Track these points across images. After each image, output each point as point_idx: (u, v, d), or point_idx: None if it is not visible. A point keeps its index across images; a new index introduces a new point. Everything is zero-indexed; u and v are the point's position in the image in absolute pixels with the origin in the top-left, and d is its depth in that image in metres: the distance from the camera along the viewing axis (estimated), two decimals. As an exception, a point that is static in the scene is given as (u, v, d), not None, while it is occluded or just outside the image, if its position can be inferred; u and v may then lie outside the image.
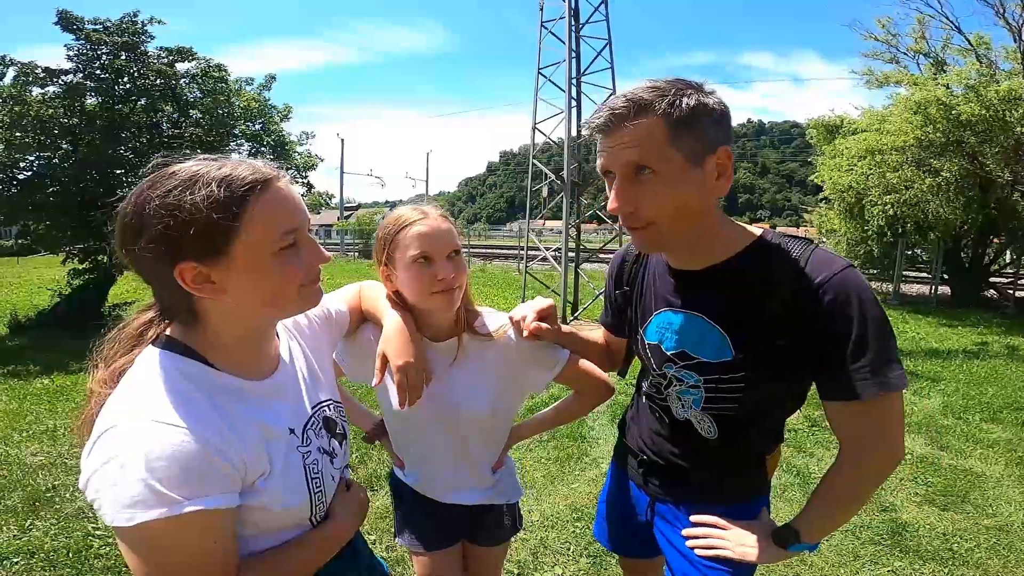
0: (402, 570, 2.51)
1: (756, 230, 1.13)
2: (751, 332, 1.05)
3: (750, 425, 1.18)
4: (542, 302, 1.37)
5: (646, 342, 1.24)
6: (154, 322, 0.90)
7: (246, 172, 0.80)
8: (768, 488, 1.30)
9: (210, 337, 0.85)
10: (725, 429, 1.17)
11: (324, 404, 1.04)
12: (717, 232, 1.09)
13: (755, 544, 1.15)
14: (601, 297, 9.38)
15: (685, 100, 0.95)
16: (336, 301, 1.28)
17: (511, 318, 1.35)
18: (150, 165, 0.81)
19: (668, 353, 1.18)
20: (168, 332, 0.86)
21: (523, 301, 1.38)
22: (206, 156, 0.83)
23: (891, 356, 0.97)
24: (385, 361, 1.22)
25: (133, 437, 0.72)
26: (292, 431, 0.93)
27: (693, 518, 1.23)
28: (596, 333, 1.52)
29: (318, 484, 0.95)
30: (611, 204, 1.04)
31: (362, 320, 1.37)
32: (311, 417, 0.98)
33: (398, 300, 1.31)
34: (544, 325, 1.31)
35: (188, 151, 0.85)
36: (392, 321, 1.26)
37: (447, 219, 1.27)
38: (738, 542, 1.16)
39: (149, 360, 0.81)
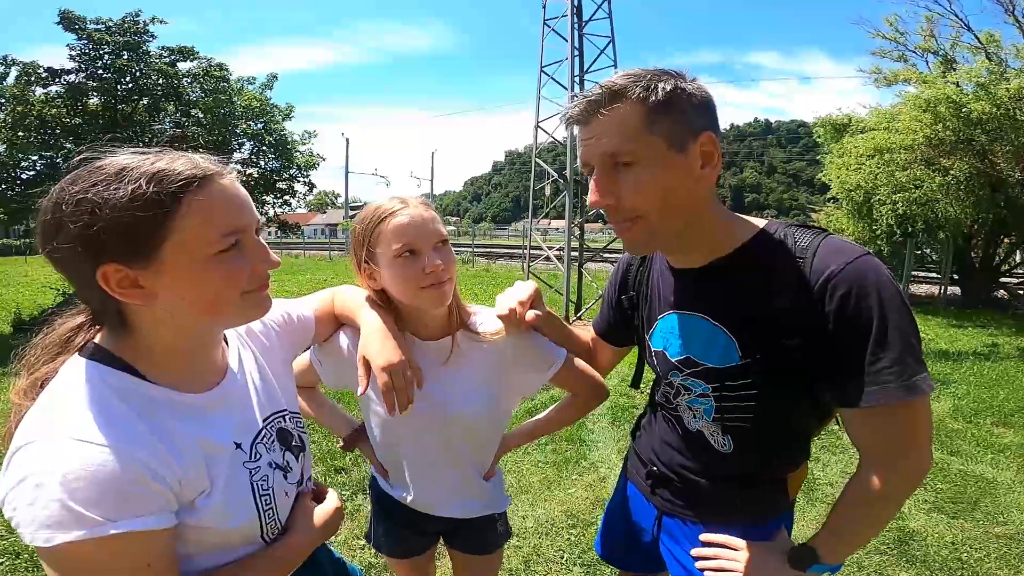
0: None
1: (760, 222, 1.04)
2: (758, 333, 0.97)
3: (768, 439, 1.09)
4: (524, 289, 1.26)
5: (652, 349, 1.17)
6: (83, 328, 0.83)
7: (182, 167, 0.73)
8: (789, 507, 1.20)
9: (141, 346, 0.79)
10: (740, 443, 1.09)
11: (279, 415, 0.97)
12: (716, 225, 1.01)
13: (769, 567, 1.06)
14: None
15: (661, 85, 0.90)
16: (301, 306, 1.20)
17: (499, 316, 1.23)
18: (78, 158, 0.74)
19: (673, 360, 1.11)
20: (97, 340, 0.80)
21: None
22: (140, 149, 0.76)
23: (916, 355, 0.88)
24: (368, 365, 1.13)
25: (49, 456, 0.67)
26: (238, 446, 0.86)
27: (703, 537, 1.15)
28: (585, 333, 1.46)
29: (268, 501, 0.89)
30: (591, 197, 0.97)
31: (338, 326, 1.29)
32: (262, 430, 0.92)
33: (381, 301, 1.22)
34: (539, 313, 1.22)
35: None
36: (370, 321, 1.17)
37: (429, 207, 1.18)
38: (750, 564, 1.07)
39: (73, 371, 0.76)
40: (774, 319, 0.95)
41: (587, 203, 1.00)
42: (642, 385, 1.42)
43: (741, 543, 1.11)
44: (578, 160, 1.01)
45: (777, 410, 1.04)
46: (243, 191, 0.81)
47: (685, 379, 1.09)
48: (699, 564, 1.14)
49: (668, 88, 0.90)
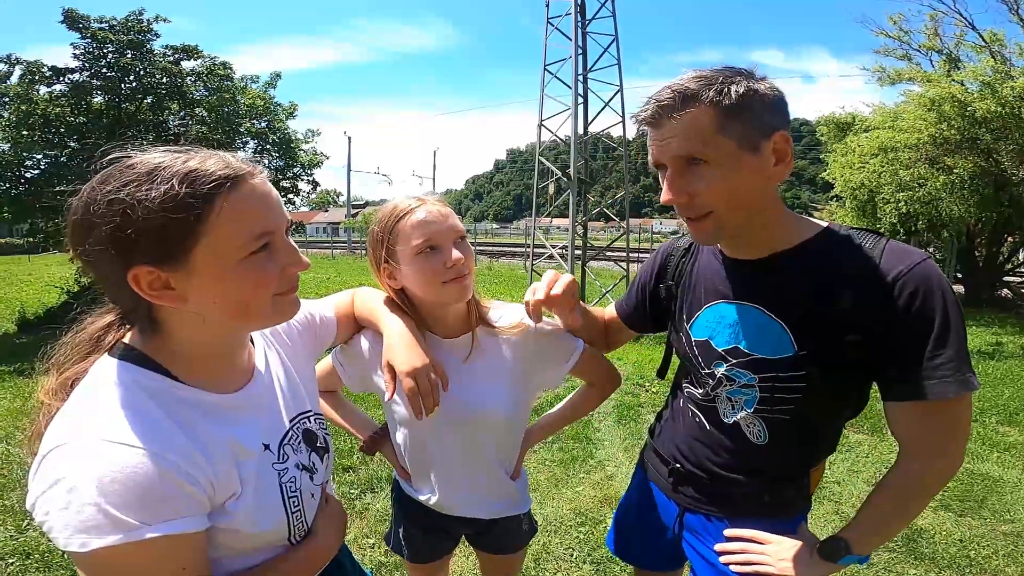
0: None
1: (821, 222, 1.07)
2: (817, 326, 0.99)
3: (805, 430, 1.10)
4: (563, 279, 1.22)
5: (693, 339, 1.17)
6: (113, 327, 0.82)
7: (215, 167, 0.72)
8: (809, 503, 1.21)
9: (172, 347, 0.78)
10: (777, 434, 1.10)
11: (304, 416, 0.97)
12: (779, 219, 1.04)
13: (799, 559, 1.07)
14: (607, 296, 9.35)
15: (734, 87, 0.91)
16: (324, 307, 1.19)
17: (527, 303, 1.23)
18: (108, 157, 0.73)
19: (719, 350, 1.11)
20: (127, 339, 0.79)
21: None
22: (171, 147, 0.75)
23: (968, 354, 0.92)
24: (393, 371, 1.13)
25: (82, 458, 0.65)
26: (267, 447, 0.86)
27: (728, 532, 1.16)
28: (599, 311, 1.46)
29: (296, 503, 0.88)
30: (664, 196, 1.00)
31: (357, 328, 1.29)
32: (289, 431, 0.92)
33: (401, 301, 1.22)
34: (560, 293, 1.19)
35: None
36: (393, 326, 1.17)
37: (445, 203, 1.20)
38: (779, 557, 1.08)
39: (104, 371, 0.75)
40: (835, 313, 0.97)
41: (661, 201, 1.02)
42: (651, 383, 1.42)
43: (767, 536, 1.12)
44: (649, 159, 1.02)
45: (822, 402, 1.05)
46: (274, 191, 0.79)
47: (730, 369, 1.09)
48: (724, 559, 1.14)
49: (741, 91, 0.91)
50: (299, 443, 0.93)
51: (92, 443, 0.66)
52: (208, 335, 0.79)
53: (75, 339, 0.83)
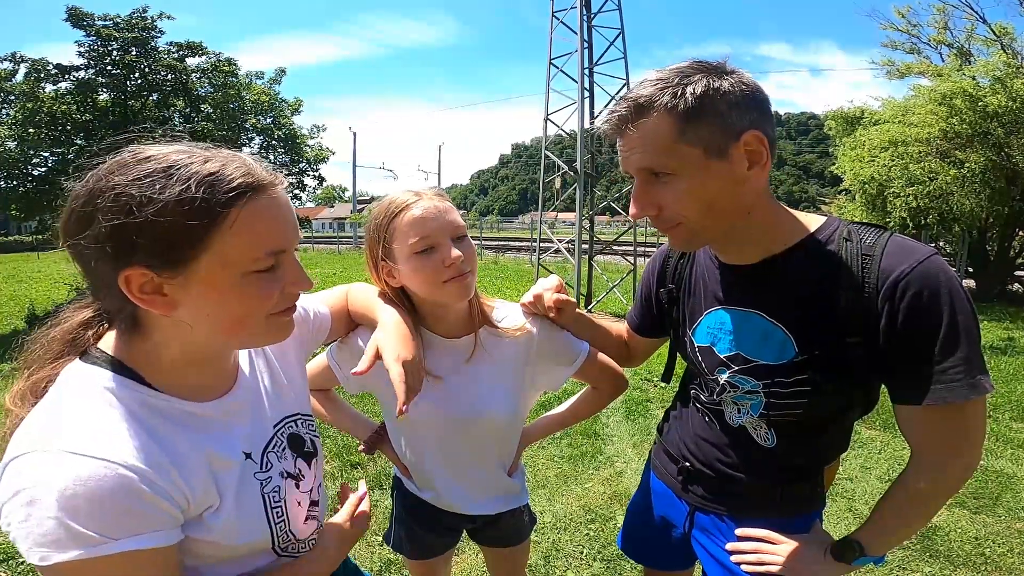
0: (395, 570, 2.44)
1: (819, 217, 1.03)
2: (818, 329, 0.95)
3: (814, 433, 1.08)
4: (551, 280, 1.29)
5: (696, 345, 1.14)
6: (91, 324, 0.78)
7: (237, 172, 0.67)
8: (823, 502, 1.19)
9: (150, 353, 0.73)
10: (785, 437, 1.08)
11: (290, 420, 0.93)
12: (769, 222, 0.99)
13: (811, 560, 1.05)
14: (615, 290, 9.32)
15: (691, 88, 0.86)
16: (316, 303, 1.14)
17: (523, 304, 1.25)
18: (126, 149, 0.68)
19: (722, 356, 1.08)
20: (103, 342, 0.75)
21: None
22: (190, 144, 0.70)
23: (980, 355, 0.88)
24: (378, 354, 1.08)
25: (44, 470, 0.62)
26: (248, 456, 0.82)
27: (739, 531, 1.14)
28: (617, 324, 1.44)
29: (279, 513, 0.84)
30: (631, 210, 0.98)
31: (351, 325, 1.25)
32: (273, 437, 0.88)
33: (399, 299, 1.19)
34: (564, 297, 1.25)
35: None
36: (388, 318, 1.13)
37: (444, 198, 1.15)
38: (791, 557, 1.06)
39: (76, 375, 0.71)
40: (836, 316, 0.93)
41: (629, 215, 1.00)
42: (665, 380, 1.41)
43: (779, 536, 1.10)
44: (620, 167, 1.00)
45: (828, 405, 1.02)
46: (291, 205, 0.75)
47: (733, 376, 1.07)
48: (735, 558, 1.12)
49: (699, 91, 0.85)
50: (284, 449, 0.89)
51: (54, 454, 0.63)
52: (192, 346, 0.75)
53: (48, 336, 0.77)
